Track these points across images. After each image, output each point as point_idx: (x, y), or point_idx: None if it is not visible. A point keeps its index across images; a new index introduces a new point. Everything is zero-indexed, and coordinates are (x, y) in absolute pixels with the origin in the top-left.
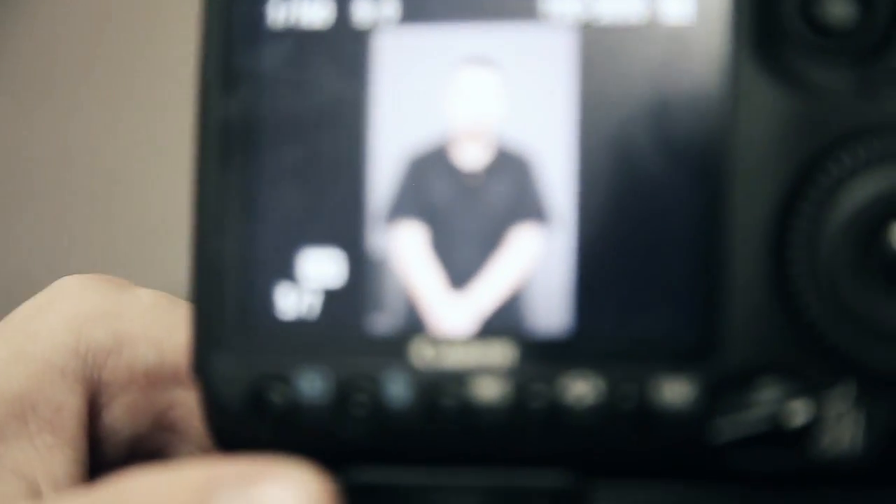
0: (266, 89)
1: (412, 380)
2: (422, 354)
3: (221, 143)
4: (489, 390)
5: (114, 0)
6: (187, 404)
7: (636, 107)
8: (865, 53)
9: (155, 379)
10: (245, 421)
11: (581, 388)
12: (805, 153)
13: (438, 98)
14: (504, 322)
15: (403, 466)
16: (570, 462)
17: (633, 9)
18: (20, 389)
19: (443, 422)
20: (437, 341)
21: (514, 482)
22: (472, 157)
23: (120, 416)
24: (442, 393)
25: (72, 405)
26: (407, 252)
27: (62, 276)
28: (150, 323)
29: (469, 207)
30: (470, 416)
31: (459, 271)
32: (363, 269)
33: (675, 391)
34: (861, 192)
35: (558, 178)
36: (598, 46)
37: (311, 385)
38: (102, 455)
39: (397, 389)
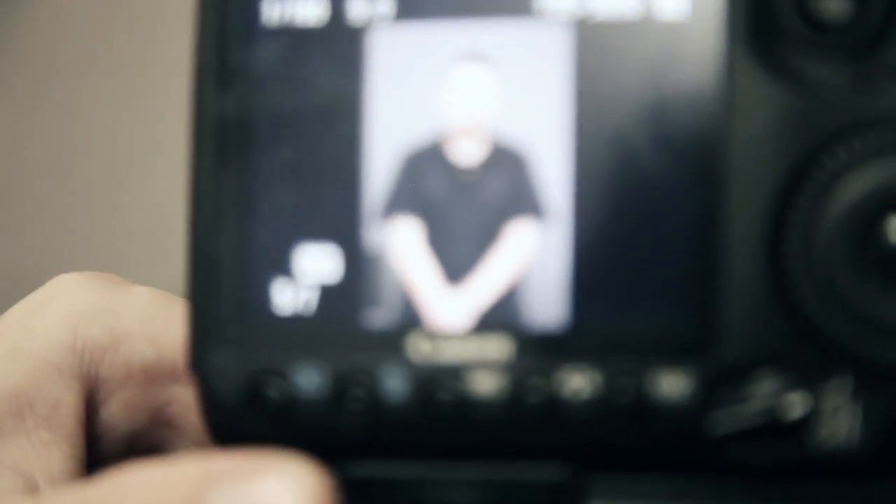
0: (261, 87)
1: (409, 374)
2: (418, 349)
3: (217, 140)
4: (486, 384)
5: (113, 0)
6: (184, 400)
7: (631, 102)
8: (860, 48)
9: (152, 375)
10: (242, 416)
11: (578, 382)
12: (801, 148)
13: (434, 94)
14: (500, 316)
15: (400, 460)
16: (567, 456)
17: (628, 5)
18: (17, 386)
19: (439, 416)
20: (433, 336)
21: (511, 476)
22: (467, 152)
23: (117, 412)
24: (439, 387)
25: (69, 402)
26: (403, 247)
27: (59, 274)
28: (146, 319)
29: (465, 203)
30: (467, 410)
31: (456, 266)
32: (359, 264)
33: (672, 384)
34: (857, 185)
35: (554, 173)
36: (593, 43)
37: (308, 380)
38: (100, 451)
39: (394, 384)
